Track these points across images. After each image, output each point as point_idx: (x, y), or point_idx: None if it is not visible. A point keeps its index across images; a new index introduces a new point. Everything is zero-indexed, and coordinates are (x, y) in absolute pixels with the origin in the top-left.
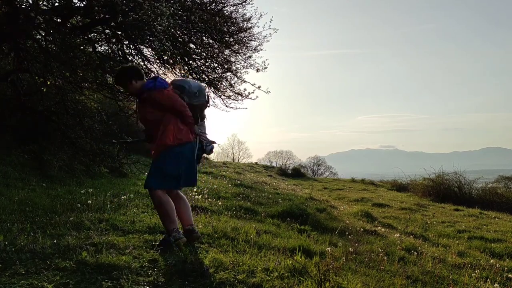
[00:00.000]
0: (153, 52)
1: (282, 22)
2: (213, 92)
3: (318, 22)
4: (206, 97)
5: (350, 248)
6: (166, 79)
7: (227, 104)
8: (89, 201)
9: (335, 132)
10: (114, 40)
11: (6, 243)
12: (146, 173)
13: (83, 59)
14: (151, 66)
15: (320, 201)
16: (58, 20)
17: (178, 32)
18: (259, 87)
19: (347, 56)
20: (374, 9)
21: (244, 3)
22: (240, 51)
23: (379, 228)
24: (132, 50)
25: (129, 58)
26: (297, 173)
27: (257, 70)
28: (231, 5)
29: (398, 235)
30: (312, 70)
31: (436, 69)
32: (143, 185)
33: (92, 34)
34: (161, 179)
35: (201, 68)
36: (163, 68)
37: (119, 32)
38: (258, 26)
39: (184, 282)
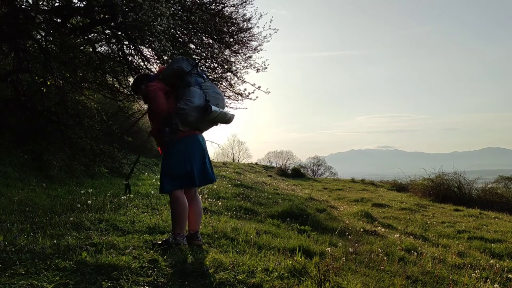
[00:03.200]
0: (153, 52)
1: (282, 24)
2: None
3: (318, 24)
4: (179, 63)
5: (350, 248)
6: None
7: (227, 104)
8: (89, 201)
9: (335, 132)
10: (114, 40)
11: (6, 243)
12: (146, 174)
13: (83, 60)
14: (151, 66)
15: (320, 201)
16: (58, 20)
17: (178, 32)
18: (259, 87)
19: (347, 57)
20: (373, 11)
21: (244, 3)
22: (240, 51)
23: (379, 228)
24: (132, 51)
25: (129, 59)
26: (297, 173)
27: (257, 70)
28: (231, 6)
29: (398, 235)
30: (312, 71)
31: (436, 69)
32: (159, 190)
33: (92, 35)
34: (172, 180)
35: (201, 68)
36: None
37: (119, 33)
38: (258, 27)
39: (184, 282)
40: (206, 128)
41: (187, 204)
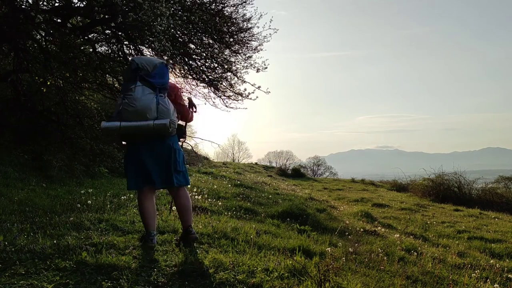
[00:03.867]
0: (153, 52)
1: (282, 25)
2: (213, 92)
3: (318, 25)
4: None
5: (350, 248)
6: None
7: (227, 104)
8: (89, 201)
9: (335, 132)
10: (114, 40)
11: (6, 243)
12: None
13: (83, 60)
14: None
15: (320, 201)
16: (58, 20)
17: (178, 32)
18: (259, 87)
19: (347, 57)
20: (373, 11)
21: (244, 3)
22: (240, 51)
23: (379, 228)
24: (132, 51)
25: (129, 59)
26: (297, 173)
27: (257, 70)
28: (231, 6)
29: (398, 235)
30: (312, 71)
31: (436, 69)
32: None
33: (92, 35)
34: (128, 178)
35: (201, 68)
36: None
37: (119, 33)
38: (258, 27)
39: (184, 282)
40: (141, 138)
41: (146, 205)
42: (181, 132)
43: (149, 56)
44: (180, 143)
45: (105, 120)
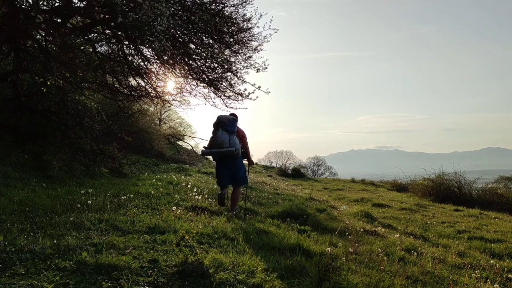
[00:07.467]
0: (153, 52)
1: (282, 25)
2: (213, 92)
3: (319, 25)
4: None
5: (350, 249)
6: (167, 80)
7: (227, 104)
8: (89, 201)
9: (335, 133)
10: (114, 40)
11: (6, 243)
12: (146, 173)
13: (83, 60)
14: (151, 66)
15: (320, 201)
16: (58, 20)
17: (178, 32)
18: (259, 87)
19: (348, 57)
20: (375, 11)
21: (244, 3)
22: (240, 51)
23: (379, 228)
24: (132, 51)
25: (129, 59)
26: (297, 173)
27: (257, 70)
28: (231, 6)
29: (398, 235)
30: (313, 72)
31: (436, 69)
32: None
33: (92, 35)
34: (218, 180)
35: (201, 68)
36: (163, 68)
37: (119, 33)
38: (258, 27)
39: (184, 282)
40: (221, 158)
41: (220, 191)
42: (244, 155)
43: (224, 114)
44: (244, 161)
45: (194, 147)
